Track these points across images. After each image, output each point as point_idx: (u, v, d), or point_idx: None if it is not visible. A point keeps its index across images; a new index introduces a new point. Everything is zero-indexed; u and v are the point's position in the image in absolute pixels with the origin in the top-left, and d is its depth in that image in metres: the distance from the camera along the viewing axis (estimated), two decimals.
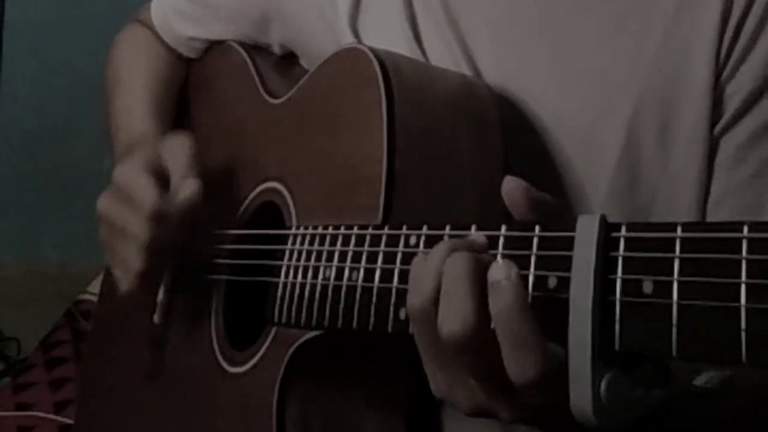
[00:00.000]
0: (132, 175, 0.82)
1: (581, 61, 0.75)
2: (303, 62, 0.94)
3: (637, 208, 0.73)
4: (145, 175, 0.82)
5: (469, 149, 0.72)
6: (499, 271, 0.51)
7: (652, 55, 0.73)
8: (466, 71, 0.78)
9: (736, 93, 0.71)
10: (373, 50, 0.73)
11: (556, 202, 0.57)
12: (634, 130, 0.73)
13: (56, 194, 2.74)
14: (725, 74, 0.71)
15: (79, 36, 2.65)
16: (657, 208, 0.73)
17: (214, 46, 1.02)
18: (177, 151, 0.84)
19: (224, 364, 0.81)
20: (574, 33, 0.75)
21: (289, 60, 0.96)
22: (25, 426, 1.45)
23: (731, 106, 0.71)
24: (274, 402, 0.71)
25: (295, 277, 0.72)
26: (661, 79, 0.72)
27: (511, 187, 0.56)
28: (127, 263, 0.83)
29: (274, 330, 0.74)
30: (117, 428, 0.97)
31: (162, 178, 0.83)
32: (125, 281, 0.84)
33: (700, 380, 0.54)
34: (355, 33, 0.83)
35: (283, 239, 0.76)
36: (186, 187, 0.81)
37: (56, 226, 2.73)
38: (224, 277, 0.85)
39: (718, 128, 0.72)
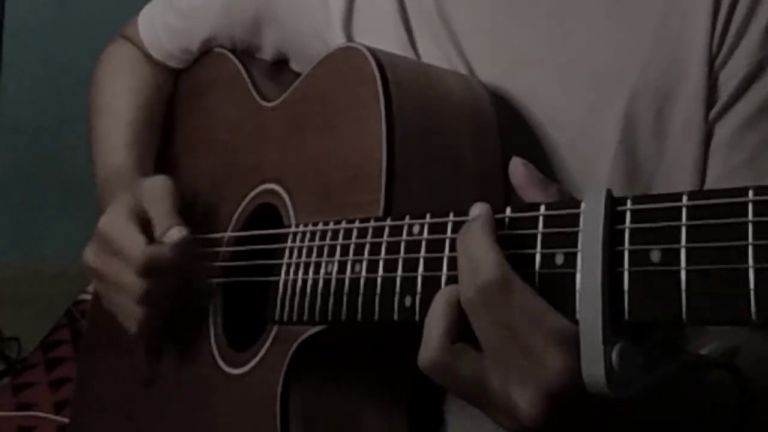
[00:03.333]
0: (117, 227, 0.82)
1: (575, 55, 0.75)
2: (294, 65, 0.94)
3: None
4: (131, 225, 0.82)
5: (467, 144, 0.72)
6: None
7: (646, 46, 0.73)
8: (461, 71, 0.78)
9: (729, 79, 0.72)
10: (368, 48, 0.73)
11: (564, 190, 0.58)
12: (630, 122, 0.73)
13: (56, 194, 2.74)
14: (719, 61, 0.72)
15: (79, 36, 2.64)
16: None
17: (204, 54, 1.01)
18: (157, 196, 0.84)
19: (224, 367, 0.81)
20: (567, 27, 0.75)
21: (280, 66, 0.96)
22: (25, 426, 1.45)
23: (725, 91, 0.72)
24: (278, 398, 0.71)
25: (296, 274, 0.72)
26: (655, 70, 0.73)
27: (519, 169, 0.57)
28: (128, 313, 0.84)
29: (275, 329, 0.74)
30: None
31: (147, 224, 0.83)
32: (130, 328, 0.85)
33: (705, 351, 0.54)
34: (349, 37, 0.83)
35: (282, 238, 0.75)
36: (172, 236, 0.81)
37: (56, 226, 2.72)
38: (223, 279, 0.84)
39: (712, 113, 0.72)
